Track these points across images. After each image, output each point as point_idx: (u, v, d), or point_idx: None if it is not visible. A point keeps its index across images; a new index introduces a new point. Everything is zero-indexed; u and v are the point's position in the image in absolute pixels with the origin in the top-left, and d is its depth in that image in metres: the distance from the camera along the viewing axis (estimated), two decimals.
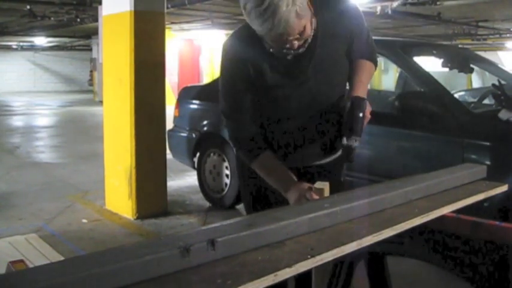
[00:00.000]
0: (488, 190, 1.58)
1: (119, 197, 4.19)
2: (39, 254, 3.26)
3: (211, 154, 4.45)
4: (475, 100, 4.42)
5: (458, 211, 1.46)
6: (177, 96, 5.00)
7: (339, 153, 1.79)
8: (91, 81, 18.66)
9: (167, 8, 4.48)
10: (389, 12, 8.24)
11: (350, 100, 1.55)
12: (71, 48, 21.84)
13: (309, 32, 1.49)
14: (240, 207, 4.20)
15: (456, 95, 4.24)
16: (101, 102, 7.02)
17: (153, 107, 4.14)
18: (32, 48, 21.09)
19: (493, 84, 3.19)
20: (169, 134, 4.67)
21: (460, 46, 12.23)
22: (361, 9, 1.73)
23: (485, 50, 15.29)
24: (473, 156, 2.82)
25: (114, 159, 4.27)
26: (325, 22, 1.58)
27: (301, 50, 1.52)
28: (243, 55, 1.60)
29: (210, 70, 15.42)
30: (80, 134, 9.15)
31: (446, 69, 3.91)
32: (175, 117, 4.85)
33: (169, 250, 0.92)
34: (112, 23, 4.16)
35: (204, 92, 4.67)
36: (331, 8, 1.61)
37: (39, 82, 22.78)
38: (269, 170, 1.67)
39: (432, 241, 1.53)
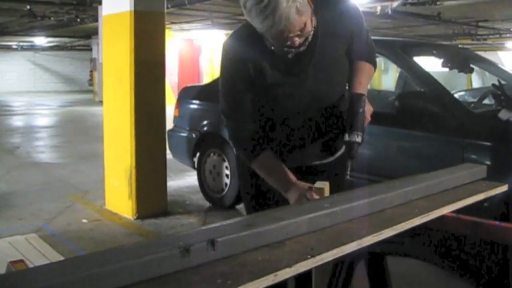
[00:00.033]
0: (488, 190, 1.58)
1: (119, 197, 4.19)
2: (39, 254, 3.26)
3: (211, 154, 4.45)
4: (475, 100, 4.42)
5: (458, 211, 1.46)
6: (177, 96, 5.00)
7: (340, 153, 1.79)
8: (91, 81, 18.66)
9: (167, 8, 4.48)
10: (390, 12, 8.23)
11: (349, 97, 1.56)
12: (71, 48, 21.84)
13: (310, 28, 1.49)
14: (240, 207, 4.20)
15: (456, 95, 4.24)
16: (101, 102, 7.03)
17: (153, 107, 4.14)
18: (32, 48, 21.09)
19: (493, 84, 3.19)
20: (169, 134, 4.67)
21: (460, 46, 12.23)
22: (361, 9, 1.73)
23: (485, 50, 15.29)
24: (473, 156, 2.82)
25: (114, 159, 4.27)
26: (325, 21, 1.58)
27: (301, 49, 1.52)
28: (243, 55, 1.60)
29: (210, 70, 15.42)
30: (80, 134, 9.15)
31: (446, 69, 3.91)
32: (175, 117, 4.85)
33: (169, 250, 0.92)
34: (112, 23, 4.16)
35: (204, 92, 4.67)
36: (331, 7, 1.61)
37: (39, 82, 22.78)
38: (269, 170, 1.67)
39: (432, 241, 1.53)
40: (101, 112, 4.78)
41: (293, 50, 1.51)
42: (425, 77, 3.27)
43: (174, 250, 0.92)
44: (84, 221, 3.99)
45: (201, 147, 4.54)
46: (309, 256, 1.01)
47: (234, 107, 1.68)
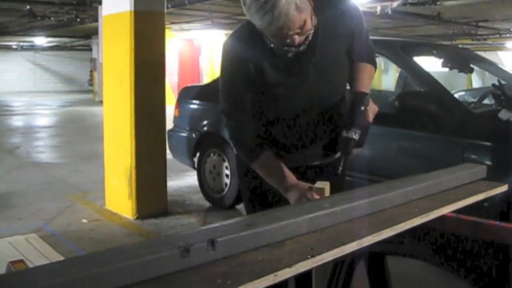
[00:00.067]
0: (488, 190, 1.58)
1: (119, 197, 4.19)
2: (39, 254, 3.26)
3: (211, 154, 4.45)
4: (475, 100, 4.42)
5: (458, 211, 1.46)
6: (177, 96, 5.00)
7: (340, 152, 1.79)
8: (91, 81, 18.66)
9: (167, 8, 4.48)
10: (389, 12, 8.24)
11: (353, 95, 1.56)
12: (71, 48, 21.84)
13: (309, 27, 1.48)
14: (240, 207, 4.20)
15: (456, 95, 4.24)
16: (101, 102, 7.03)
17: (153, 107, 4.14)
18: (32, 48, 21.10)
19: (493, 84, 3.19)
20: (169, 134, 4.67)
21: (460, 46, 12.23)
22: (361, 9, 1.73)
23: (485, 50, 15.29)
24: (473, 156, 2.82)
25: (114, 159, 4.27)
26: (326, 21, 1.58)
27: (302, 48, 1.52)
28: (243, 54, 1.60)
29: (210, 70, 15.42)
30: (80, 134, 9.15)
31: (446, 69, 3.91)
32: (175, 117, 4.85)
33: (169, 250, 0.92)
34: (112, 23, 4.16)
35: (204, 92, 4.67)
36: (332, 7, 1.61)
37: (39, 82, 22.78)
38: (269, 170, 1.67)
39: (432, 241, 1.53)
40: (101, 112, 4.78)
41: (293, 49, 1.51)
42: (425, 77, 3.27)
43: (174, 250, 0.92)
44: (84, 221, 3.99)
45: (201, 147, 4.54)
46: (309, 256, 1.01)
47: (234, 107, 1.68)
